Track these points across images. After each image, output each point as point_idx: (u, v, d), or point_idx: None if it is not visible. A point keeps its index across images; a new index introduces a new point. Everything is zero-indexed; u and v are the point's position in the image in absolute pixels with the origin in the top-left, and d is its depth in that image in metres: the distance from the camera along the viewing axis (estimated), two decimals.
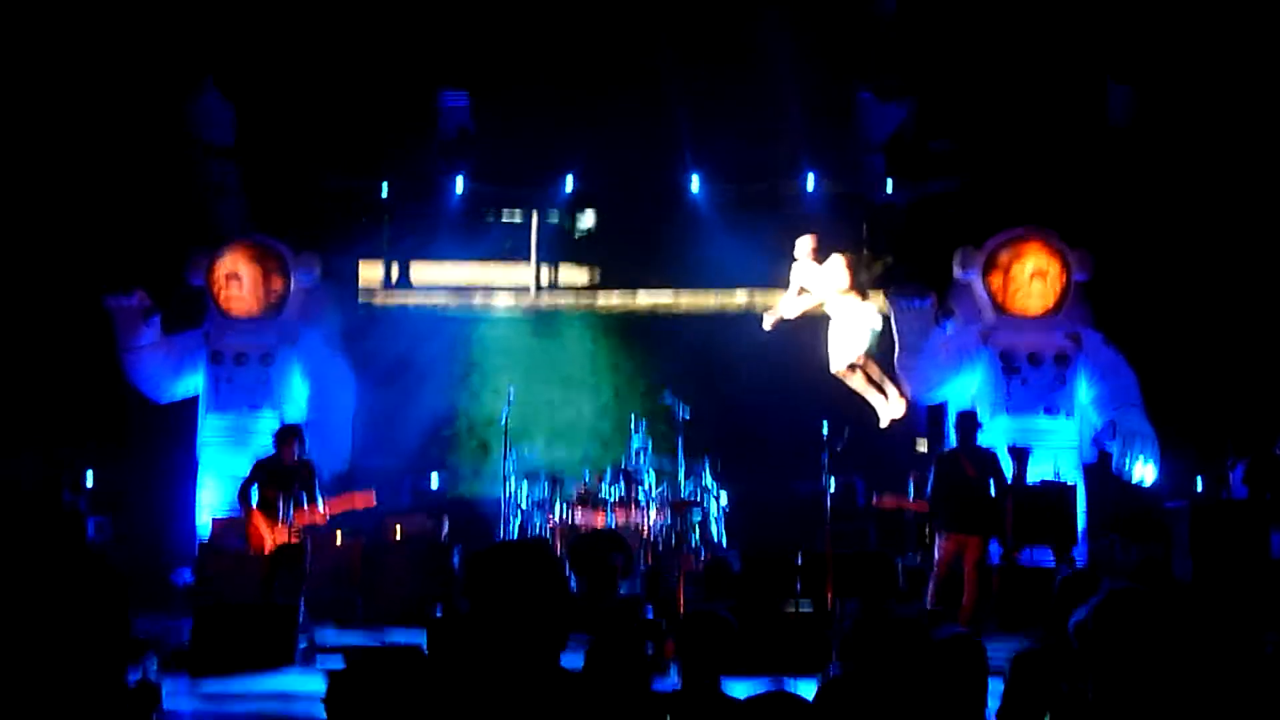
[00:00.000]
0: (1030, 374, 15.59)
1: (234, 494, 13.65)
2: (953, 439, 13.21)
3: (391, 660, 3.38)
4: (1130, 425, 15.04)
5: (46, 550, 2.62)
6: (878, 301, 15.83)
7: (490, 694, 3.72)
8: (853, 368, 15.08)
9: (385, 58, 15.80)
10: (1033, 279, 15.75)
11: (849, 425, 13.64)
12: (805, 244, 15.92)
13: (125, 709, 2.79)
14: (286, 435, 12.64)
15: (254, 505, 12.33)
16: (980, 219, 16.13)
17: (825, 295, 15.04)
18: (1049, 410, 15.49)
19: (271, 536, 12.24)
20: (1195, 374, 15.33)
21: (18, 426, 15.31)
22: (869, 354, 15.05)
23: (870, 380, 15.16)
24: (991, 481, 12.61)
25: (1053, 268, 15.77)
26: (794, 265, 15.75)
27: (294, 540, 12.24)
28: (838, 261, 15.41)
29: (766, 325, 15.25)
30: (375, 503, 12.93)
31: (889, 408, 15.11)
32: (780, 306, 15.31)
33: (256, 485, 12.41)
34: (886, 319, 15.45)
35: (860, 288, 15.35)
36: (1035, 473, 14.45)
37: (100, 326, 15.86)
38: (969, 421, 12.93)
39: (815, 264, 15.28)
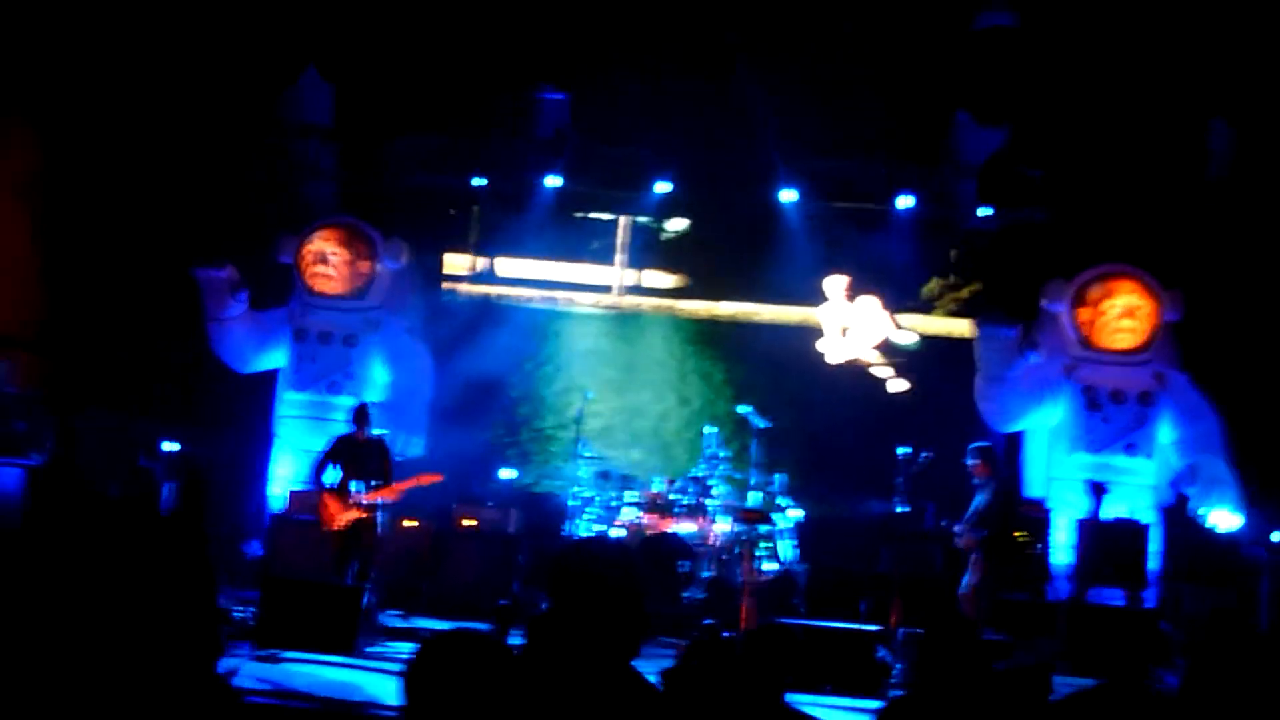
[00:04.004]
0: (1112, 411, 15.40)
1: (310, 469, 13.80)
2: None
3: (470, 645, 3.35)
4: (1212, 471, 14.81)
5: (126, 516, 2.52)
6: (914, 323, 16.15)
7: (565, 690, 3.72)
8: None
9: (487, 52, 15.86)
10: (1122, 316, 15.54)
11: (926, 450, 13.61)
12: (837, 284, 16.05)
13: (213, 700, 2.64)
14: (362, 413, 12.86)
15: (330, 482, 12.48)
16: (1072, 251, 15.95)
17: (870, 339, 15.46)
18: (1129, 449, 15.27)
19: (344, 514, 12.37)
20: None
21: (102, 389, 15.55)
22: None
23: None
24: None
25: (1144, 306, 15.56)
26: (824, 305, 15.94)
27: (364, 516, 12.38)
28: (872, 304, 15.65)
29: (830, 360, 15.71)
30: (441, 478, 13.04)
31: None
32: (833, 350, 15.82)
33: (333, 462, 12.57)
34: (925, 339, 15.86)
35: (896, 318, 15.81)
36: (1111, 512, 14.30)
37: (188, 297, 16.06)
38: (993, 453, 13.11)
39: (848, 304, 15.59)
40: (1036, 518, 14.38)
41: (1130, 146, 15.66)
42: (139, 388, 15.73)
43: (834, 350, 16.30)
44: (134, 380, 15.76)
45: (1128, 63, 15.27)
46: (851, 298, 15.89)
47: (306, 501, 14.31)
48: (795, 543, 14.32)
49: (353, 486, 12.41)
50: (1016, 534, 13.28)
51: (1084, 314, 15.66)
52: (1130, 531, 14.00)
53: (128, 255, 15.83)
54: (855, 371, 16.61)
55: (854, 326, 16.08)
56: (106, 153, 15.75)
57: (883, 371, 16.15)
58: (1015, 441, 16.05)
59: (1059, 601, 13.59)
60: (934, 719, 5.14)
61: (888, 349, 16.59)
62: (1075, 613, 13.13)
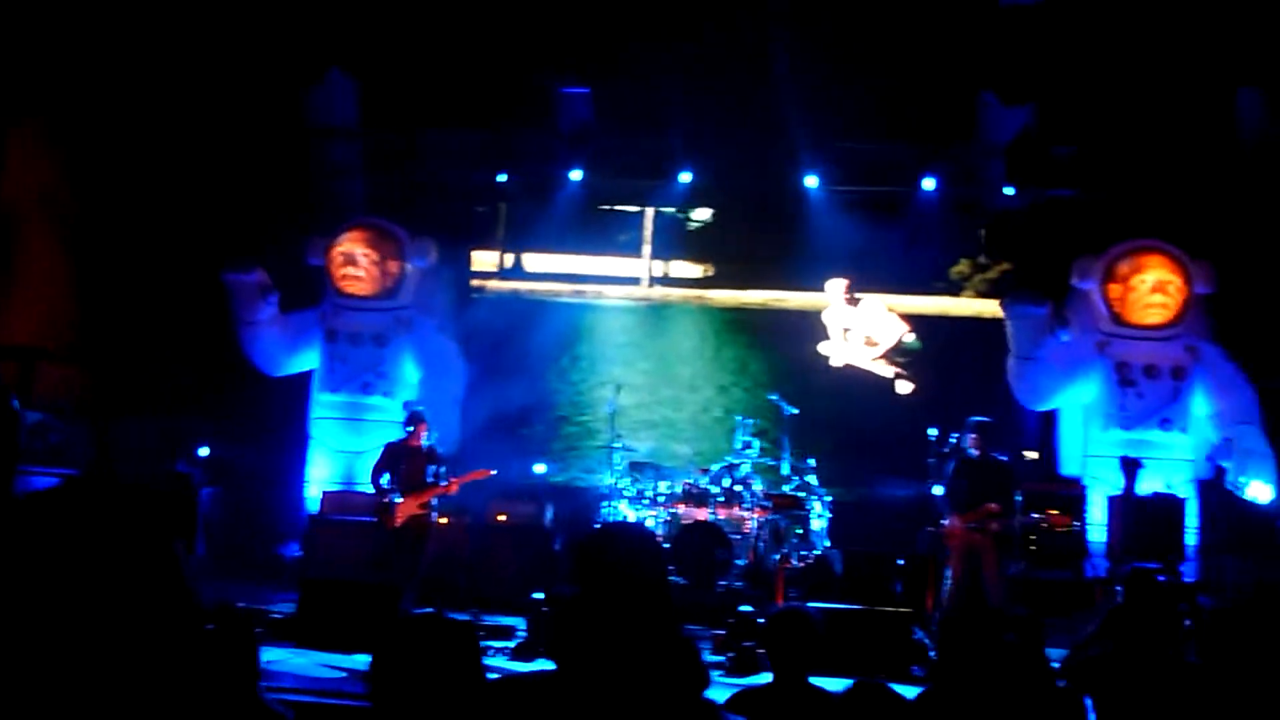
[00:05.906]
0: (1146, 387, 15.32)
1: (343, 470, 13.82)
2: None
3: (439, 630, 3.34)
4: (1247, 443, 14.71)
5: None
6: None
7: (589, 678, 3.71)
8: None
9: (508, 47, 15.88)
10: (1153, 290, 15.45)
11: (956, 431, 13.56)
12: (837, 287, 16.12)
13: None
14: (416, 419, 12.84)
15: (387, 486, 12.52)
16: (1101, 228, 15.86)
17: (875, 343, 15.66)
18: (1164, 424, 15.19)
19: (403, 510, 12.38)
20: None
21: (136, 396, 15.66)
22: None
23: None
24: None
25: (1174, 280, 15.46)
26: (826, 310, 16.05)
27: (422, 513, 12.42)
28: (876, 304, 15.78)
29: (834, 363, 15.97)
30: (493, 472, 13.07)
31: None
32: (836, 353, 16.01)
33: (387, 469, 12.59)
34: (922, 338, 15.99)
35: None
36: (1148, 487, 14.22)
37: (218, 302, 16.15)
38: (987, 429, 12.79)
39: (849, 307, 15.71)
40: (1069, 495, 14.35)
41: (1158, 119, 15.54)
42: (174, 394, 15.84)
43: (835, 354, 16.40)
44: (168, 387, 15.86)
45: (1152, 34, 15.15)
46: (853, 300, 16.02)
47: (342, 502, 14.38)
48: (829, 528, 14.32)
49: (396, 498, 12.46)
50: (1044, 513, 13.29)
51: (1114, 290, 15.58)
52: (1167, 505, 13.92)
53: (157, 262, 15.93)
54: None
55: (855, 329, 16.20)
56: (132, 160, 15.85)
57: (885, 373, 16.30)
58: (1050, 419, 16.02)
59: (1097, 578, 13.54)
60: (963, 699, 5.15)
61: (893, 351, 16.63)
62: (1111, 589, 13.06)
